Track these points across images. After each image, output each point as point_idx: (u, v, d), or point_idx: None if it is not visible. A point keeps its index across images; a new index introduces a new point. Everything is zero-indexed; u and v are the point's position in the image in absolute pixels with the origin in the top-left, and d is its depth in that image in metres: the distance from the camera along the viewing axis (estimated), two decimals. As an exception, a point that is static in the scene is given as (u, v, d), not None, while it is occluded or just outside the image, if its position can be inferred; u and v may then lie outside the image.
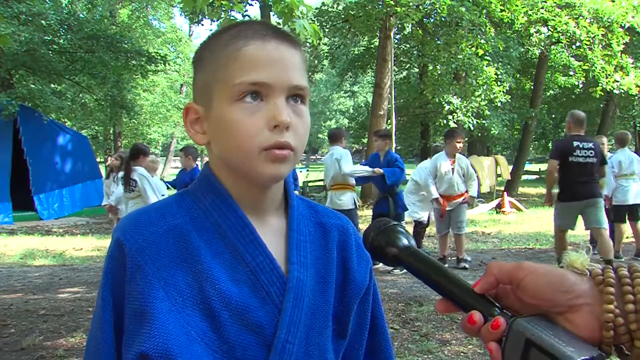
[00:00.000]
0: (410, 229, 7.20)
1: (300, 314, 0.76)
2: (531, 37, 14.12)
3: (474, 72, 13.28)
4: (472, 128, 14.47)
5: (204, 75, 0.79)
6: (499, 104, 14.34)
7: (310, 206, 0.89)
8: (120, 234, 0.75)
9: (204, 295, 0.73)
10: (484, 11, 12.85)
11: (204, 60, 0.80)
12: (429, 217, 7.29)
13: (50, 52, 14.05)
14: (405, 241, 0.67)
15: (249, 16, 14.79)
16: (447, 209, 6.51)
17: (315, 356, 0.78)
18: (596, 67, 13.63)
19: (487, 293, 0.59)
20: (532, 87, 18.65)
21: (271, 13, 14.26)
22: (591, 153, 5.72)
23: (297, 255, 0.79)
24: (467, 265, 6.45)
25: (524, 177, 22.36)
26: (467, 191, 6.56)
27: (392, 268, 6.22)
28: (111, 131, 24.68)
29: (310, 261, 0.81)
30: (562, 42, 14.59)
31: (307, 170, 23.27)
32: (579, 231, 6.85)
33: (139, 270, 0.72)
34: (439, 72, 14.57)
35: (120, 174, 7.00)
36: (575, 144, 5.71)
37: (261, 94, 0.74)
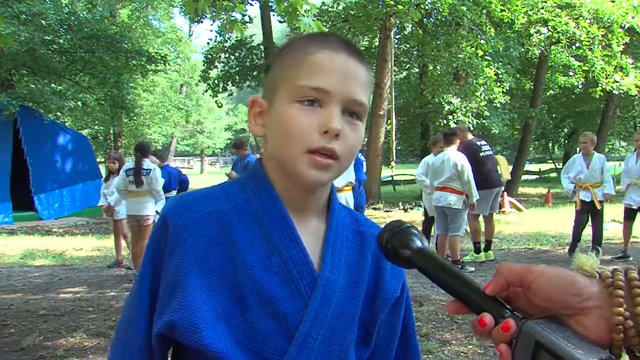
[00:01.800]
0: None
1: (327, 312, 0.78)
2: (531, 37, 14.13)
3: (474, 72, 13.28)
4: (472, 128, 14.47)
5: (273, 73, 0.84)
6: (498, 105, 14.35)
7: (352, 215, 0.92)
8: (167, 210, 0.80)
9: (236, 278, 0.76)
10: (484, 11, 12.85)
11: (277, 60, 0.84)
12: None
13: (50, 52, 14.04)
14: (418, 243, 0.68)
15: (249, 16, 14.80)
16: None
17: (336, 357, 0.79)
18: (596, 68, 13.64)
19: (498, 295, 0.59)
20: (532, 87, 18.66)
21: (272, 13, 14.27)
22: (489, 147, 7.04)
23: (332, 256, 0.81)
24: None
25: (524, 177, 22.40)
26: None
27: None
28: (111, 131, 24.66)
29: (343, 264, 0.82)
30: (562, 43, 14.60)
31: None
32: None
33: (178, 246, 0.76)
34: (439, 72, 14.58)
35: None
36: (478, 143, 6.97)
37: (320, 100, 0.77)
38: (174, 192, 7.72)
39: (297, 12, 3.83)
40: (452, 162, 6.29)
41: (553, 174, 27.44)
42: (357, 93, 0.78)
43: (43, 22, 13.17)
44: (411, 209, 13.57)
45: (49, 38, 13.76)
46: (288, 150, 0.77)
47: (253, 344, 0.75)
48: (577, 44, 13.98)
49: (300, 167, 0.77)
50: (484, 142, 7.12)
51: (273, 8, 13.17)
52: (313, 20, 4.06)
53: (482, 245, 7.11)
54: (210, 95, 18.03)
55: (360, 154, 6.49)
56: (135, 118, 19.99)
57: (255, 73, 17.29)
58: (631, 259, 6.70)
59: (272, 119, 0.81)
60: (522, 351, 0.54)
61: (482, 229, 7.24)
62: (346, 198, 6.09)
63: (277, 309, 0.76)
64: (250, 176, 0.85)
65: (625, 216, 6.99)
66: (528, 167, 26.53)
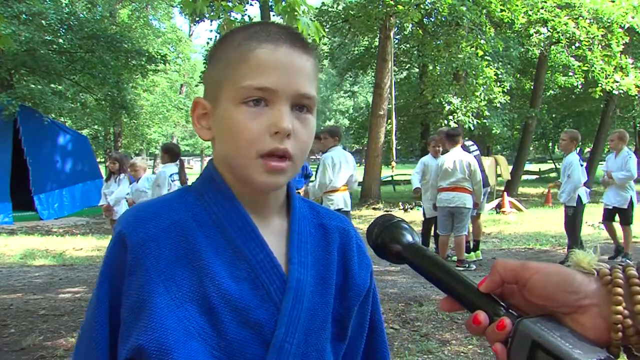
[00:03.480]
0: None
1: (300, 314, 0.75)
2: (531, 37, 14.12)
3: (474, 72, 13.28)
4: (472, 128, 14.47)
5: (215, 72, 0.79)
6: (498, 105, 14.34)
7: (312, 208, 0.88)
8: (123, 226, 0.75)
9: (204, 291, 0.73)
10: (484, 11, 12.85)
11: (217, 57, 0.80)
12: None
13: (50, 52, 14.03)
14: (409, 238, 0.66)
15: (249, 16, 14.79)
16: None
17: (313, 358, 0.77)
18: (596, 68, 13.63)
19: (493, 292, 0.58)
20: (532, 87, 18.65)
21: (271, 13, 14.26)
22: (476, 147, 7.11)
23: (298, 255, 0.79)
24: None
25: (524, 177, 22.38)
26: None
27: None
28: (111, 131, 24.66)
29: (310, 262, 0.80)
30: (562, 43, 14.60)
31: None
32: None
33: (139, 264, 0.72)
34: (439, 72, 14.58)
35: (122, 175, 6.99)
36: (466, 144, 6.91)
37: (266, 99, 0.74)
38: None
39: (295, 13, 3.83)
40: (466, 163, 6.30)
41: (553, 174, 27.40)
42: (305, 87, 0.75)
43: (43, 22, 13.16)
44: (411, 209, 13.56)
45: (49, 38, 13.76)
46: (240, 155, 0.74)
47: (228, 356, 0.72)
48: (577, 44, 13.97)
49: (254, 173, 0.74)
50: (471, 143, 7.16)
51: (272, 8, 13.17)
52: (312, 20, 4.06)
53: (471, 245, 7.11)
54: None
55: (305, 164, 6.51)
56: (135, 118, 19.99)
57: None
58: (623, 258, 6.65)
59: (218, 122, 0.77)
60: (518, 350, 0.53)
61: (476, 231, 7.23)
62: (344, 197, 6.07)
63: (249, 318, 0.73)
64: (205, 181, 0.81)
65: (604, 217, 6.79)
66: (528, 167, 26.51)
